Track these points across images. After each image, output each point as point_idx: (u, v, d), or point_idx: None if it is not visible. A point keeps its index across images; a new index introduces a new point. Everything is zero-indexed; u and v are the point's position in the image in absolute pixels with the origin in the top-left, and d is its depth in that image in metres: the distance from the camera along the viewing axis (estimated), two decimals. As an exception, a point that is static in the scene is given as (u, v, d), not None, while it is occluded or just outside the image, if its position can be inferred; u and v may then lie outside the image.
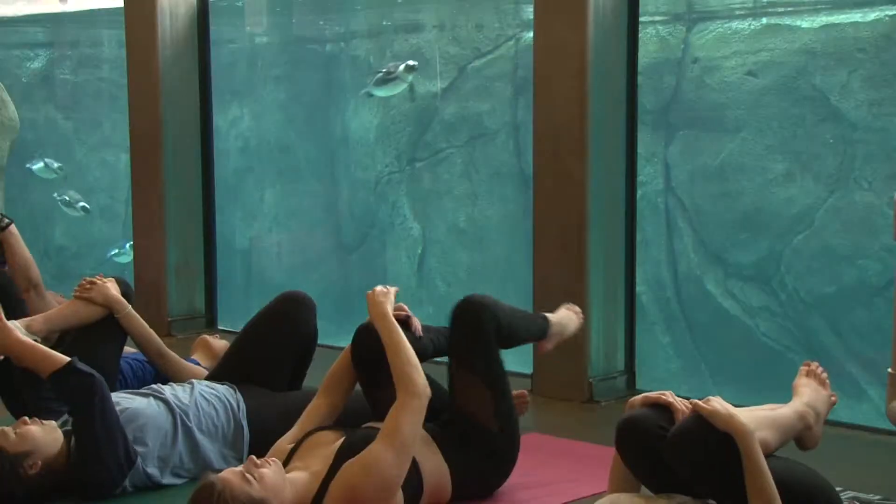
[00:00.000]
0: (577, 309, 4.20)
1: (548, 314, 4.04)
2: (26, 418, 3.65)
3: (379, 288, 3.58)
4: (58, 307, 4.51)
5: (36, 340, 4.29)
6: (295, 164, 9.62)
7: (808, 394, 3.29)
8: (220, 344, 4.89)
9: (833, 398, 3.33)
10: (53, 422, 3.70)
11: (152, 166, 6.84)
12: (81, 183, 10.77)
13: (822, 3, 7.08)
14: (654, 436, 2.95)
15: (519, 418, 3.77)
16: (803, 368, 3.41)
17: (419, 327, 3.67)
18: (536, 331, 3.95)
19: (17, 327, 4.34)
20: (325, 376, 3.71)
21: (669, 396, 3.07)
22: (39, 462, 3.54)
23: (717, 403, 2.92)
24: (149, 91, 6.79)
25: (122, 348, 4.39)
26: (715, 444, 2.85)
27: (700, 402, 2.95)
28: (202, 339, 5.02)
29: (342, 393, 3.67)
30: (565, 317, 4.09)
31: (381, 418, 3.37)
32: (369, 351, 3.55)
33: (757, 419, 3.00)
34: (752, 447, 2.84)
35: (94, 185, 10.72)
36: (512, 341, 3.73)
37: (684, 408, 3.01)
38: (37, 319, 4.40)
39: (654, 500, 2.92)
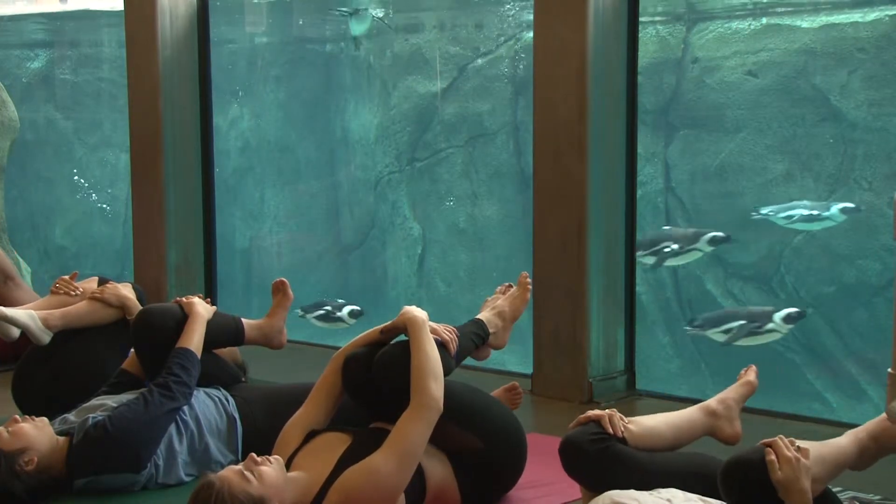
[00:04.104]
0: (523, 280, 4.14)
1: (480, 315, 4.01)
2: (17, 416, 3.66)
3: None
4: (74, 305, 4.51)
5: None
6: (295, 164, 9.61)
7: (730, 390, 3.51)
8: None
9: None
10: (45, 419, 3.70)
11: (152, 166, 6.84)
12: (81, 183, 10.78)
13: (822, 3, 7.08)
14: (591, 449, 3.15)
15: (518, 419, 3.73)
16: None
17: (453, 349, 3.63)
18: (478, 340, 3.91)
19: (33, 318, 4.36)
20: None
21: (603, 415, 3.22)
22: (35, 459, 3.54)
23: (789, 467, 2.75)
24: (149, 91, 6.79)
25: (124, 356, 4.38)
26: (767, 490, 2.76)
27: (783, 448, 2.79)
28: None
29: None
30: (500, 307, 4.05)
31: (389, 420, 3.35)
32: (358, 378, 3.50)
33: (821, 458, 2.94)
34: None
35: (94, 185, 10.72)
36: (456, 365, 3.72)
37: (618, 425, 3.18)
38: (54, 314, 4.42)
39: (650, 497, 2.91)
